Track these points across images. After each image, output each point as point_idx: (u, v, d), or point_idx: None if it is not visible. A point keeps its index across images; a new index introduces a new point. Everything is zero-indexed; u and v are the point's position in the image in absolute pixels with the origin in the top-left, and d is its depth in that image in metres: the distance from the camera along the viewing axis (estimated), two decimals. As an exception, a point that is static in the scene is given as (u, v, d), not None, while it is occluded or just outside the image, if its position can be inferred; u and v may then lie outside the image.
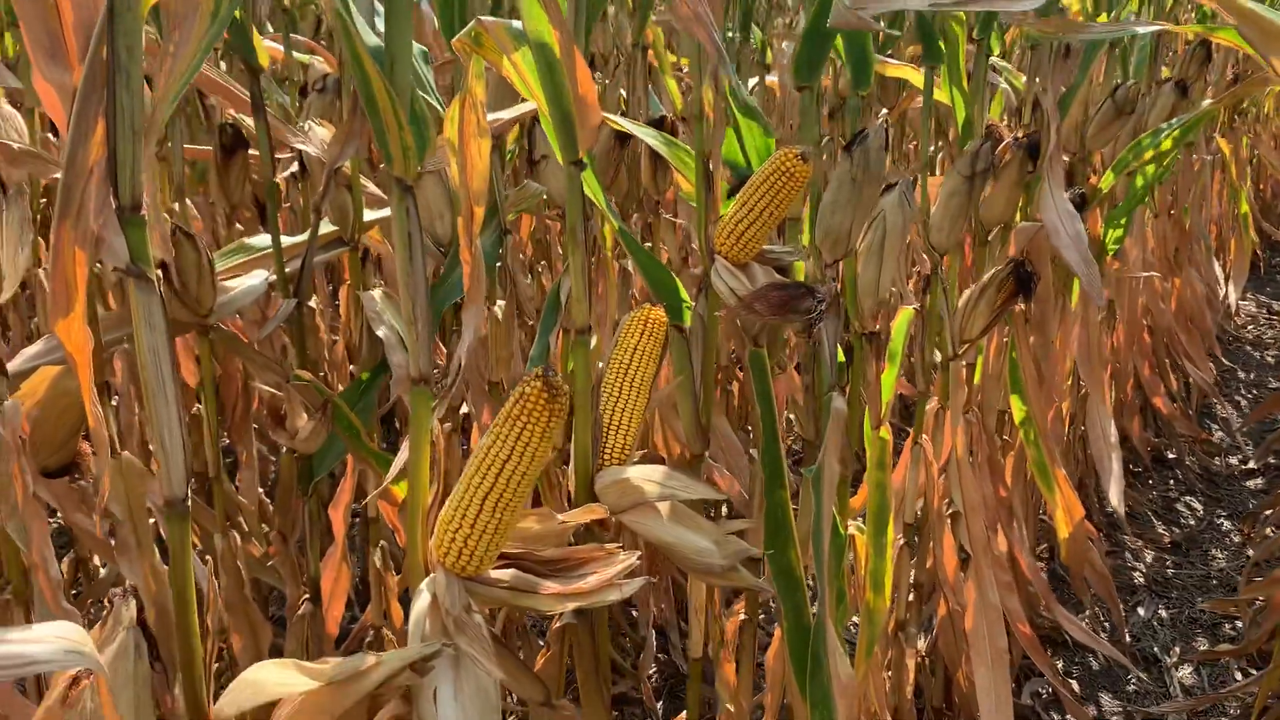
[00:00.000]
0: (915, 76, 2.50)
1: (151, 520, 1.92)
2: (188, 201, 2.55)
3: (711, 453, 2.05)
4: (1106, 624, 3.11)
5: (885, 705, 2.08)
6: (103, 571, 2.75)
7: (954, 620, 2.42)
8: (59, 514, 1.61)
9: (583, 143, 1.13)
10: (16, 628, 0.65)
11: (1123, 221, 3.10)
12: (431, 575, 1.01)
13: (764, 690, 1.89)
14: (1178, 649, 3.03)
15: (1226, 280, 4.43)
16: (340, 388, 2.55)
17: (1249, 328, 5.23)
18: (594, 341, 1.42)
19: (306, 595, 2.08)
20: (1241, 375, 4.70)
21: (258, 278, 1.76)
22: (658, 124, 2.32)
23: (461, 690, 0.92)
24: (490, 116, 1.67)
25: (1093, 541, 3.12)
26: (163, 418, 0.80)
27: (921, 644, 2.60)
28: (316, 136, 1.93)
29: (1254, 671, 2.82)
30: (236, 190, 2.47)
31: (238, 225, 2.86)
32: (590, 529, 1.33)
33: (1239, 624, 3.12)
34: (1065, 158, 3.20)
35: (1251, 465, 4.00)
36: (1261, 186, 6.21)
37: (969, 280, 2.46)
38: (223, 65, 2.98)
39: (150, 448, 2.25)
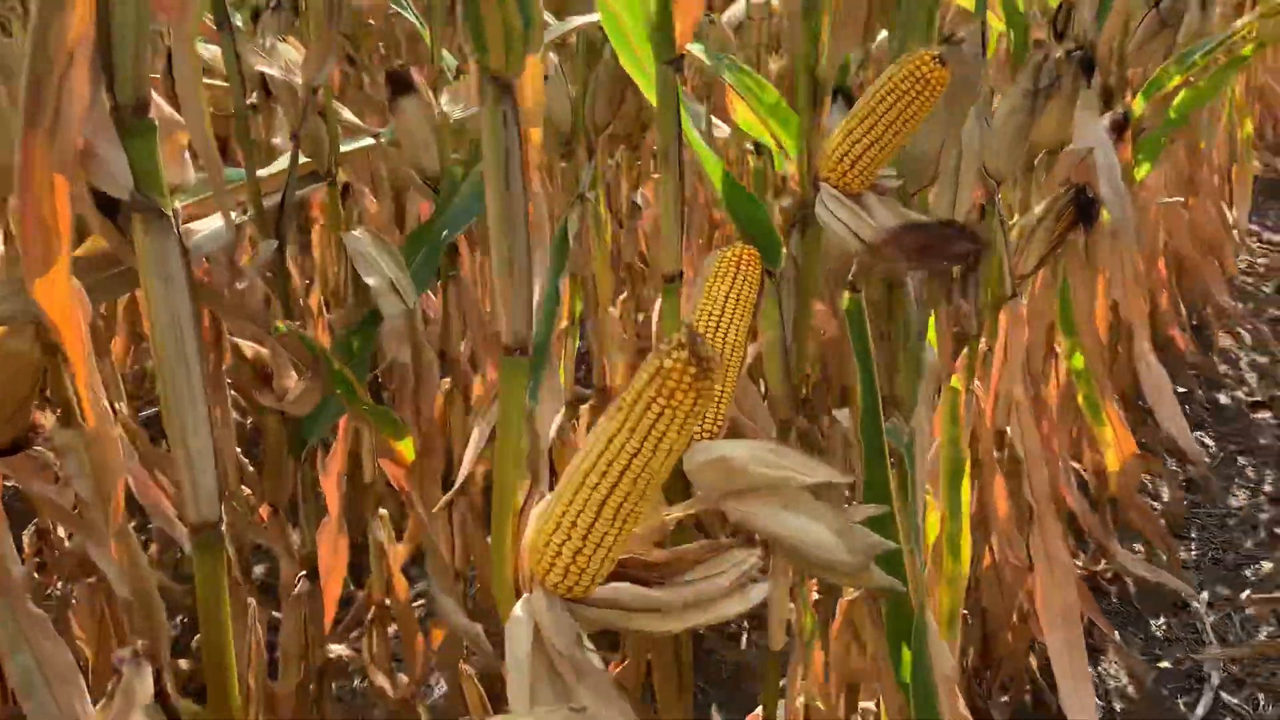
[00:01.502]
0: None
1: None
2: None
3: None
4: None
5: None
6: (68, 543, 2.48)
7: (999, 573, 2.27)
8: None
9: (683, 34, 0.88)
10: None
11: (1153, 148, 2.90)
12: (527, 595, 0.78)
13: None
14: (1206, 593, 2.92)
15: (1230, 207, 4.28)
16: (320, 339, 2.29)
17: (1242, 256, 5.09)
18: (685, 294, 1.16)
19: (303, 572, 1.85)
20: (1240, 306, 4.56)
21: (233, 216, 1.49)
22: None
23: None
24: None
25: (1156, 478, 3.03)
26: (186, 413, 0.55)
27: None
28: (281, 56, 1.65)
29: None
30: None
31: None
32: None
33: (1262, 565, 3.02)
34: (1098, 78, 3.00)
35: (1258, 398, 3.90)
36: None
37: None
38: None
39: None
